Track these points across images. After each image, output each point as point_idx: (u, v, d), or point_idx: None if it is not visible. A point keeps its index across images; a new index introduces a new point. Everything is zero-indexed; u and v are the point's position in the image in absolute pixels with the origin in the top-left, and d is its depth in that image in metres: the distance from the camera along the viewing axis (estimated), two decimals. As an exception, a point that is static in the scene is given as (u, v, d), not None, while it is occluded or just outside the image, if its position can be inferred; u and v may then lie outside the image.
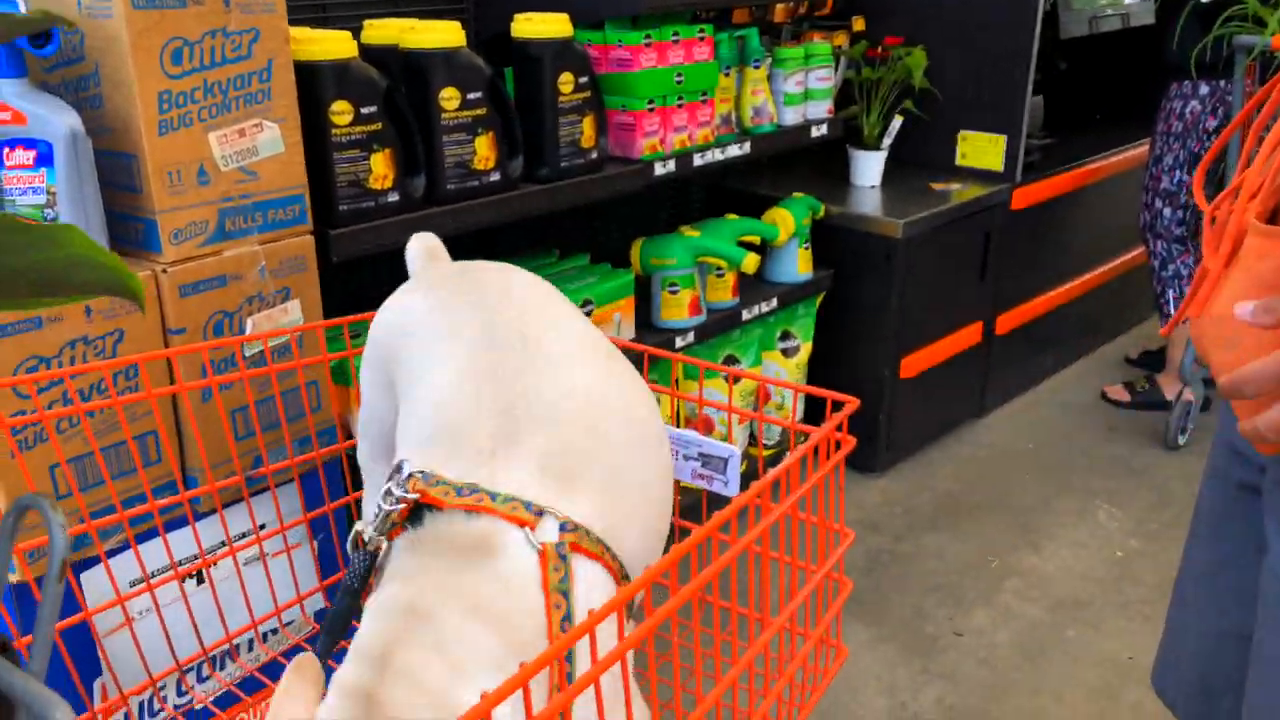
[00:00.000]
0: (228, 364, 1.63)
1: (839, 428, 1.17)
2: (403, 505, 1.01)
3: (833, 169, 3.35)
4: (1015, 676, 2.36)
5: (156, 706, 1.61)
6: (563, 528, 0.99)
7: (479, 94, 2.03)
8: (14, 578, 1.46)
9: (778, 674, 1.14)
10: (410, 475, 1.03)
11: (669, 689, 1.38)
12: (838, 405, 1.21)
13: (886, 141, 3.20)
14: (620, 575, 1.04)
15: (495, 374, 1.11)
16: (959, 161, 3.38)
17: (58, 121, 1.44)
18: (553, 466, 1.03)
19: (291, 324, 1.72)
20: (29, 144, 1.47)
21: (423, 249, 1.48)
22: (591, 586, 0.99)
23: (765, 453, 2.94)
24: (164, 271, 1.55)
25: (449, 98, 2.00)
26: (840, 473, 1.19)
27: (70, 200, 1.46)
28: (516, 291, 1.26)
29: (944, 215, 3.06)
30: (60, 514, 0.53)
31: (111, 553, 1.46)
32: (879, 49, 3.14)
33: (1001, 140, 3.28)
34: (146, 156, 1.52)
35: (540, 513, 0.99)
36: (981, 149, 3.33)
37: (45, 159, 1.46)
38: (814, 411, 3.14)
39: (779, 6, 3.30)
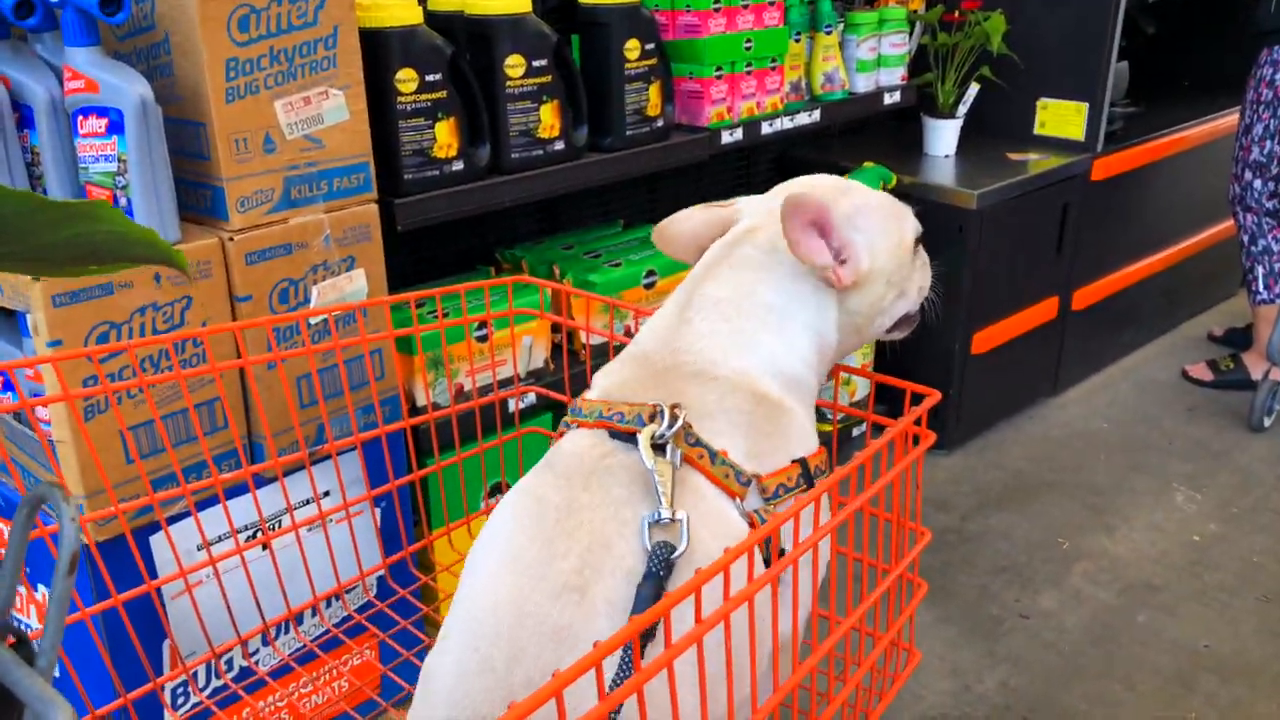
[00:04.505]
0: (293, 330, 1.64)
1: (918, 421, 1.12)
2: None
3: (906, 138, 3.27)
4: (1083, 661, 2.30)
5: (218, 672, 1.65)
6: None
7: (544, 61, 2.01)
8: (95, 537, 1.49)
9: (844, 678, 1.11)
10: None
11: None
12: (917, 398, 1.16)
13: (962, 109, 3.10)
14: None
15: None
16: (1038, 130, 3.27)
17: (128, 90, 1.45)
18: None
19: (356, 293, 1.72)
20: (101, 112, 1.48)
21: None
22: None
23: (835, 428, 2.90)
24: (231, 239, 1.57)
25: (514, 65, 1.98)
26: (918, 468, 1.14)
27: (140, 168, 1.48)
28: None
29: (1020, 186, 2.97)
30: (72, 507, 0.52)
31: (177, 518, 1.49)
32: (956, 13, 3.04)
33: (1083, 108, 3.16)
34: (215, 124, 1.53)
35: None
36: (1062, 117, 3.22)
37: (117, 127, 1.47)
38: (886, 387, 3.09)
39: (853, -30, 3.22)
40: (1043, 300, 3.23)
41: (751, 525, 1.07)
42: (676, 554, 0.98)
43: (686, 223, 1.32)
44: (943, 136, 3.13)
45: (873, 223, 1.23)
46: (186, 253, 1.52)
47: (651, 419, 1.07)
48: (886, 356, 3.03)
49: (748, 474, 1.09)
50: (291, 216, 1.63)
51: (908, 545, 1.18)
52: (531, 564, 1.02)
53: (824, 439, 1.18)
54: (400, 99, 1.84)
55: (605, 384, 1.18)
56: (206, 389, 1.56)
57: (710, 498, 1.06)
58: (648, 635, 0.93)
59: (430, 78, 1.86)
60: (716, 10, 2.34)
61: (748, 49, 2.40)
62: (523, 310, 1.65)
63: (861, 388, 2.97)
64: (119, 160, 1.49)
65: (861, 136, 3.39)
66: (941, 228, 2.92)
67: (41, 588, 1.69)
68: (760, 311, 1.19)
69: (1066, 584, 2.56)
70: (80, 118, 1.51)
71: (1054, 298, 3.27)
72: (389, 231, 1.86)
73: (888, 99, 2.80)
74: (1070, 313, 3.34)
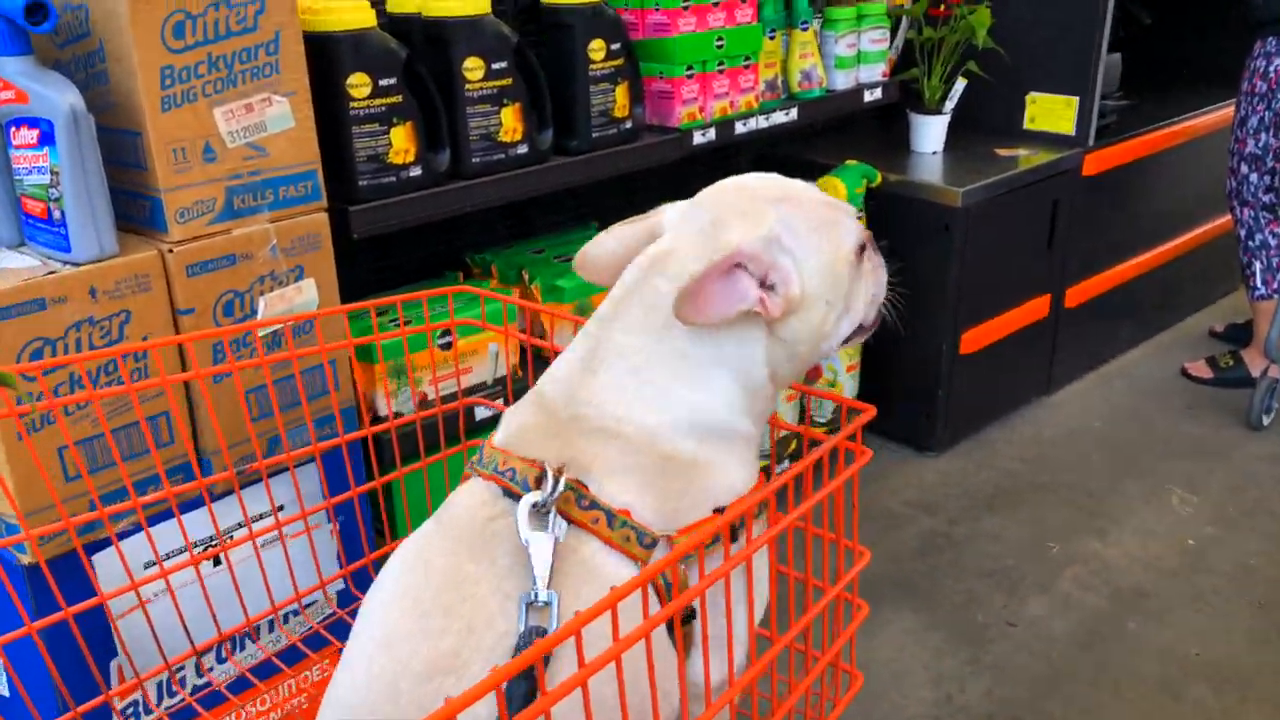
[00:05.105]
0: (242, 344, 1.61)
1: (853, 438, 1.07)
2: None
3: (892, 134, 3.21)
4: (1070, 669, 2.24)
5: (173, 689, 1.61)
6: None
7: (504, 63, 1.96)
8: (26, 559, 1.46)
9: (776, 706, 1.07)
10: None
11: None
12: (853, 413, 1.11)
13: (948, 105, 3.04)
14: None
15: None
16: (1027, 125, 3.21)
17: (58, 99, 1.41)
18: None
19: (305, 304, 1.68)
20: (32, 123, 1.44)
21: None
22: None
23: (816, 430, 2.84)
24: (170, 251, 1.53)
25: (473, 68, 1.93)
26: (854, 487, 1.09)
27: (73, 179, 1.44)
28: None
29: (1008, 182, 2.91)
30: None
31: (125, 534, 1.45)
32: (941, 7, 2.98)
33: (1074, 102, 3.10)
34: (150, 133, 1.49)
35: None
36: (1052, 111, 3.15)
37: (48, 138, 1.44)
38: (871, 389, 3.01)
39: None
40: (1034, 298, 3.17)
41: (658, 592, 0.97)
42: None
43: (604, 246, 1.21)
44: (929, 133, 3.07)
45: (801, 240, 1.08)
46: (123, 265, 1.49)
47: (538, 482, 0.98)
48: (872, 357, 2.98)
49: (652, 535, 0.99)
50: (235, 227, 1.59)
51: (843, 567, 1.13)
52: (406, 639, 0.95)
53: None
54: (353, 104, 1.80)
55: (510, 426, 1.09)
56: (151, 404, 1.52)
57: (605, 571, 0.97)
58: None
59: (384, 82, 1.82)
60: (686, 9, 2.29)
61: (719, 47, 2.35)
62: (464, 320, 1.61)
63: (846, 391, 2.92)
64: (51, 172, 1.45)
65: (846, 134, 3.33)
66: (927, 226, 2.86)
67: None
68: (672, 359, 1.06)
69: (1056, 589, 2.50)
70: (12, 129, 1.47)
71: (1046, 295, 3.21)
72: (348, 240, 1.82)
73: (868, 96, 2.75)
74: (1063, 310, 3.28)
